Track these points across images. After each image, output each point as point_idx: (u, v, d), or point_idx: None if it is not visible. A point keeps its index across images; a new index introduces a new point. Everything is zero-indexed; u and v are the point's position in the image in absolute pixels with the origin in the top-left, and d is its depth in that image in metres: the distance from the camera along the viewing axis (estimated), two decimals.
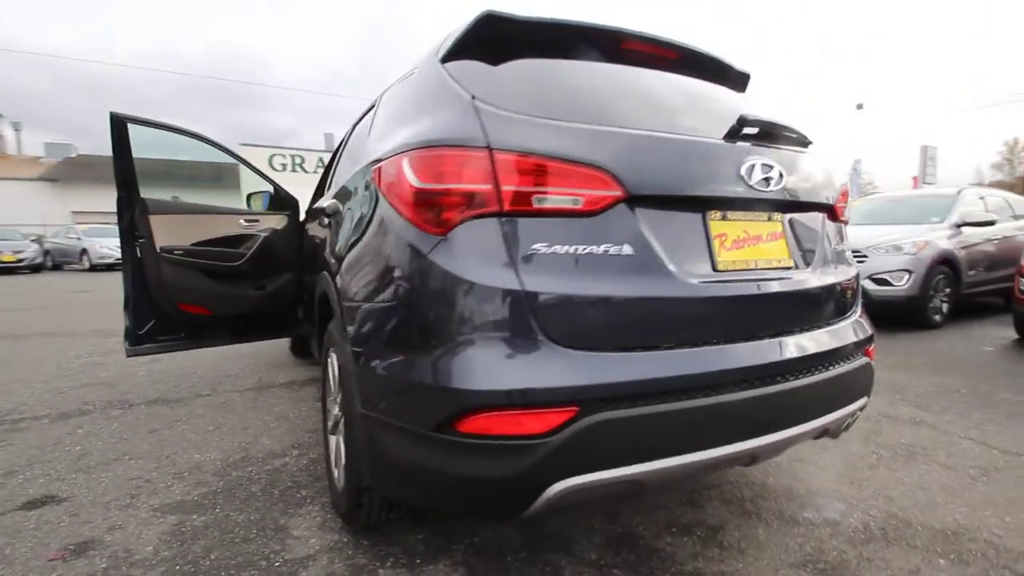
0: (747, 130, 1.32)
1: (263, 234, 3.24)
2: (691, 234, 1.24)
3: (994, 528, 1.69)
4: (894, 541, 1.62)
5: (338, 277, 1.52)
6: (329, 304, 1.72)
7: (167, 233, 2.88)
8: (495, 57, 1.37)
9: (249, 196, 3.63)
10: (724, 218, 1.28)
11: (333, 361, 1.78)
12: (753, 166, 1.29)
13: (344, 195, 1.73)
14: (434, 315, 1.12)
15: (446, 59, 1.42)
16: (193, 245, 2.99)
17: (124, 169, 2.71)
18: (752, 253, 1.31)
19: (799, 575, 1.47)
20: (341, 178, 2.05)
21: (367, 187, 1.44)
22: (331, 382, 1.84)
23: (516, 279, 1.08)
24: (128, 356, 2.86)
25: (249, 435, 2.50)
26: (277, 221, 3.35)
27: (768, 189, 1.31)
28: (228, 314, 3.15)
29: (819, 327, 1.41)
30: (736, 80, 1.78)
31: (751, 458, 1.27)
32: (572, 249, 1.12)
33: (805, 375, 1.31)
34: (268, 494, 1.94)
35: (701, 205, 1.26)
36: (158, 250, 2.83)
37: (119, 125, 2.65)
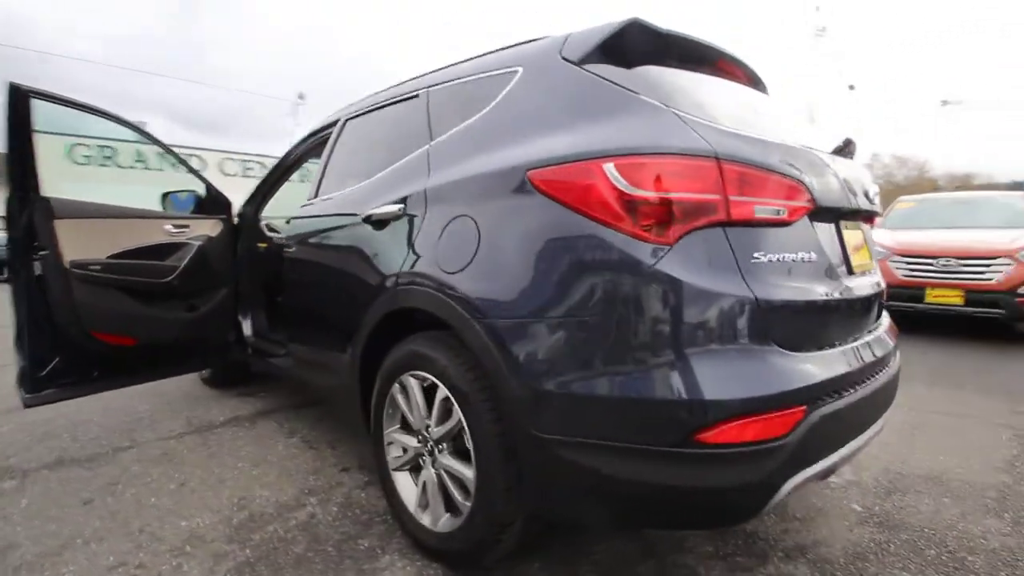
0: (849, 147, 1.53)
1: (196, 243, 2.68)
2: (835, 242, 1.39)
3: (956, 468, 2.16)
4: (905, 490, 1.99)
5: (468, 291, 1.35)
6: (427, 319, 1.52)
7: (78, 243, 2.23)
8: (627, 63, 1.37)
9: (164, 196, 2.97)
10: (847, 227, 1.46)
11: (412, 386, 1.59)
12: (867, 179, 1.49)
13: (435, 200, 1.54)
14: (668, 327, 1.09)
15: (584, 61, 1.38)
16: (112, 258, 2.36)
17: (23, 158, 2.04)
18: (860, 257, 1.52)
19: (869, 531, 1.72)
20: (385, 181, 1.82)
21: (513, 193, 1.31)
22: (407, 410, 1.63)
23: (747, 287, 1.11)
24: (27, 407, 2.14)
25: (233, 488, 2.06)
26: (211, 227, 2.81)
27: (873, 200, 1.53)
28: (155, 343, 2.55)
29: (884, 321, 1.67)
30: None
31: (866, 441, 1.46)
32: (779, 257, 1.18)
33: (893, 362, 1.55)
34: (321, 553, 1.63)
35: (836, 216, 1.42)
36: (67, 265, 2.18)
37: (20, 100, 1.98)
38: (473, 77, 1.69)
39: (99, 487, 2.08)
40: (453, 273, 1.40)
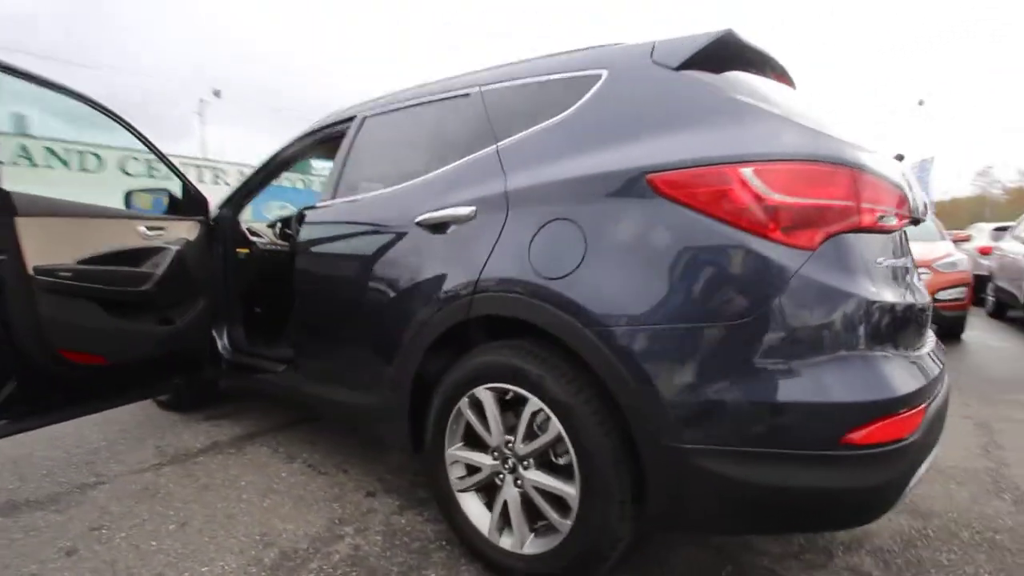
0: (901, 162, 1.64)
1: (174, 247, 2.37)
2: (907, 248, 1.48)
3: (944, 457, 2.37)
4: (926, 481, 2.15)
5: (576, 298, 1.28)
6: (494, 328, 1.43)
7: (45, 246, 1.89)
8: (716, 70, 1.39)
9: (129, 194, 2.60)
10: (908, 237, 1.57)
11: (487, 399, 1.49)
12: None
13: (520, 203, 1.45)
14: (814, 331, 1.10)
15: (682, 67, 1.38)
16: (82, 263, 2.02)
17: None
18: (915, 264, 1.63)
19: (905, 520, 1.84)
20: (439, 183, 1.70)
21: (626, 196, 1.27)
22: (480, 426, 1.52)
23: (878, 292, 1.15)
24: None
25: (247, 524, 1.82)
26: (188, 229, 2.50)
27: (928, 209, 1.64)
28: (127, 361, 2.21)
29: None
30: None
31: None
32: (891, 262, 1.24)
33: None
34: None
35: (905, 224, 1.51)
36: (30, 272, 1.83)
37: None
38: (542, 78, 1.63)
39: (79, 533, 1.75)
40: (555, 279, 1.32)
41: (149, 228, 2.32)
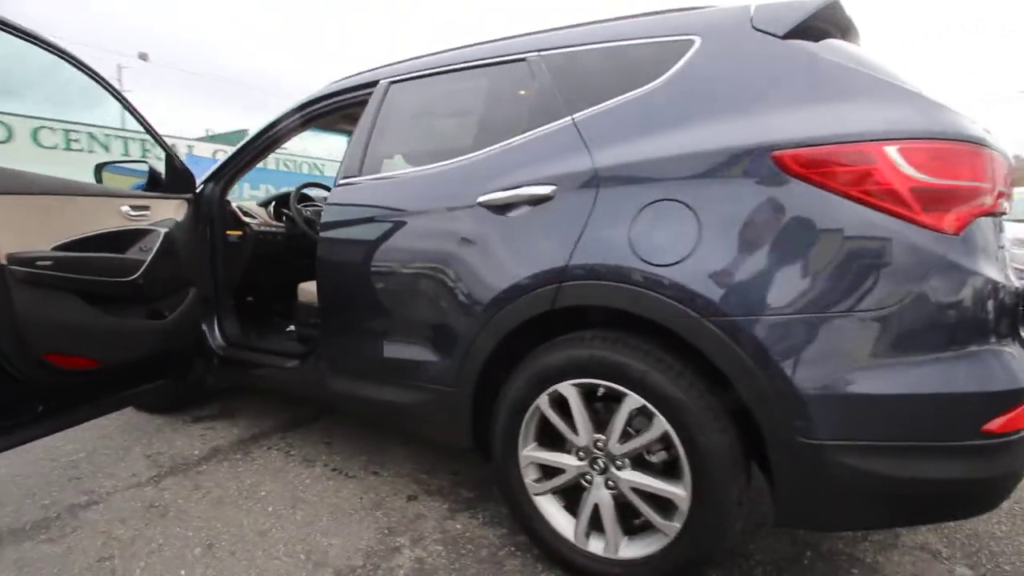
0: None
1: (162, 229, 2.08)
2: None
3: None
4: None
5: (691, 286, 1.18)
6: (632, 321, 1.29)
7: (19, 230, 1.59)
8: (814, 38, 1.31)
9: (100, 167, 2.24)
10: None
11: (573, 395, 1.38)
12: None
13: (613, 182, 1.32)
14: (961, 318, 1.06)
15: (789, 35, 1.28)
16: (60, 249, 1.71)
17: None
18: None
19: None
20: (502, 159, 1.53)
21: (747, 175, 1.17)
22: (564, 426, 1.41)
23: (1007, 278, 1.13)
24: None
25: (285, 542, 1.63)
26: (175, 208, 2.20)
27: None
28: (120, 363, 1.93)
29: None
30: None
31: None
32: (1004, 245, 1.21)
33: None
34: None
35: None
36: (3, 261, 1.53)
37: None
38: (619, 44, 1.49)
39: (86, 566, 1.51)
40: (665, 266, 1.22)
41: (133, 208, 2.02)
